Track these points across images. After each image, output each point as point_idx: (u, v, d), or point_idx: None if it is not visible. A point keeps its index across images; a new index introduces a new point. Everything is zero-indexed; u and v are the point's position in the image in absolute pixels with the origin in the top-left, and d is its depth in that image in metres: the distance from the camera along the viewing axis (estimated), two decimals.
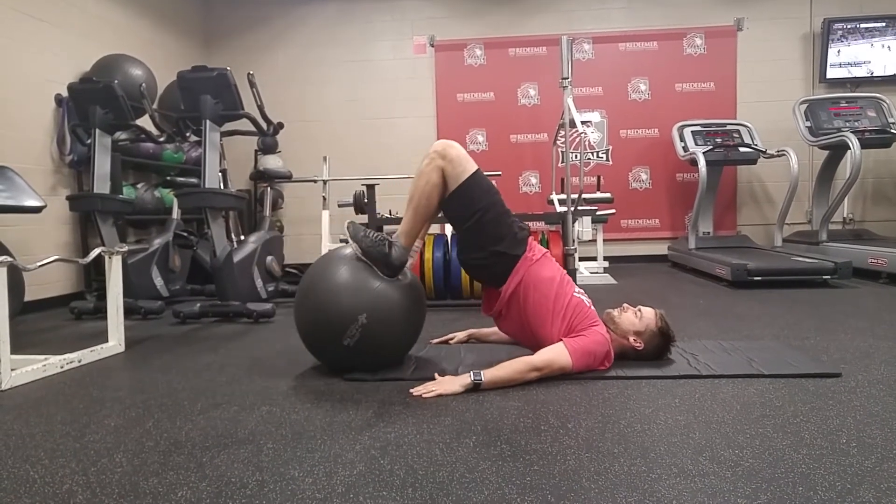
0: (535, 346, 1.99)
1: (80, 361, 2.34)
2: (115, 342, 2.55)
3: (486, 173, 2.04)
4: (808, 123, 5.09)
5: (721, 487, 1.17)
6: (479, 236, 1.99)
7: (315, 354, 2.14)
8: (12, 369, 2.05)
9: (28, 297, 3.46)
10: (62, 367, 2.25)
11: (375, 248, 1.98)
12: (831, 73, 5.64)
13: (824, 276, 3.93)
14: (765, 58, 5.76)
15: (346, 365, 2.03)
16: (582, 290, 2.08)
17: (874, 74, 5.63)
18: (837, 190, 4.88)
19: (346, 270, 1.99)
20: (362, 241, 1.99)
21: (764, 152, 5.12)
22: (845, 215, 5.67)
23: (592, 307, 2.04)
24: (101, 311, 3.21)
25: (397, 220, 4.21)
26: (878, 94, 5.14)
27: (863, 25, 5.58)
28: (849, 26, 5.58)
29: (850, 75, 5.65)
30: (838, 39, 5.59)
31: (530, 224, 5.21)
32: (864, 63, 5.63)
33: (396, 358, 2.13)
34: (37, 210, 3.11)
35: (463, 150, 2.02)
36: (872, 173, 5.71)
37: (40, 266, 2.23)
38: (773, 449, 1.34)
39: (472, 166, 1.99)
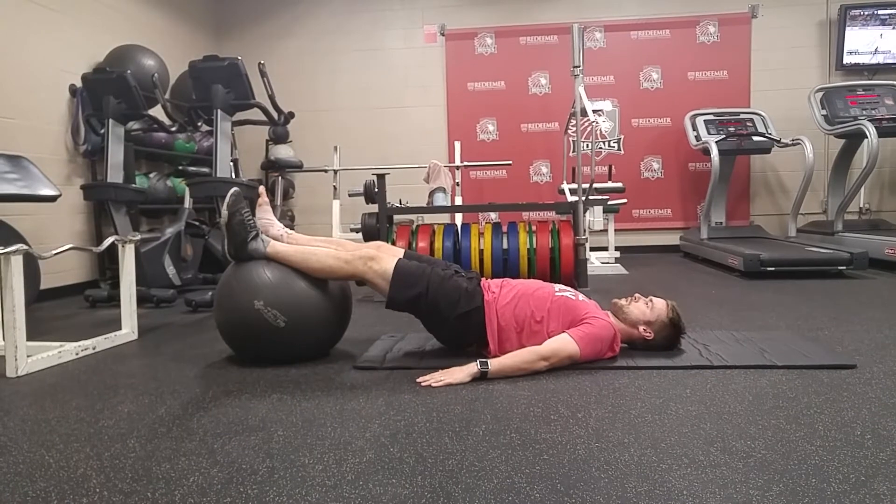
0: None
1: (94, 348, 2.37)
2: (129, 330, 2.58)
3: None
4: (824, 112, 5.00)
5: (732, 478, 1.16)
6: (438, 311, 2.00)
7: (258, 351, 2.11)
8: (28, 356, 2.09)
9: (44, 286, 3.51)
10: (77, 354, 2.29)
11: (239, 229, 2.01)
12: (848, 61, 5.53)
13: (839, 267, 3.88)
14: (780, 45, 5.66)
15: (297, 347, 2.09)
16: (564, 287, 2.09)
17: (892, 62, 5.51)
18: (853, 179, 4.80)
19: (236, 275, 2.06)
20: (234, 216, 2.00)
21: (778, 141, 5.04)
22: (861, 205, 5.58)
23: (581, 297, 2.05)
24: (114, 300, 3.23)
25: (407, 210, 4.23)
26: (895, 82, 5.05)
27: (880, 11, 5.46)
28: (866, 12, 5.46)
29: (867, 62, 5.53)
30: (855, 26, 5.48)
31: (541, 214, 5.22)
32: (882, 50, 5.51)
33: (341, 320, 2.20)
34: (52, 199, 3.14)
35: (383, 253, 2.03)
36: (889, 162, 5.61)
37: (55, 254, 2.26)
38: (786, 440, 1.33)
39: (391, 263, 2.00)
